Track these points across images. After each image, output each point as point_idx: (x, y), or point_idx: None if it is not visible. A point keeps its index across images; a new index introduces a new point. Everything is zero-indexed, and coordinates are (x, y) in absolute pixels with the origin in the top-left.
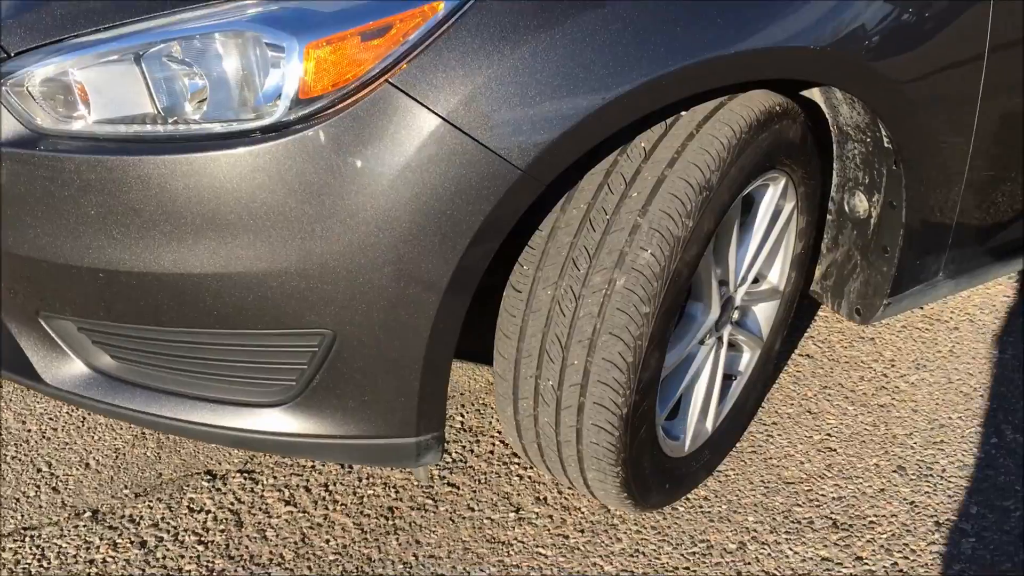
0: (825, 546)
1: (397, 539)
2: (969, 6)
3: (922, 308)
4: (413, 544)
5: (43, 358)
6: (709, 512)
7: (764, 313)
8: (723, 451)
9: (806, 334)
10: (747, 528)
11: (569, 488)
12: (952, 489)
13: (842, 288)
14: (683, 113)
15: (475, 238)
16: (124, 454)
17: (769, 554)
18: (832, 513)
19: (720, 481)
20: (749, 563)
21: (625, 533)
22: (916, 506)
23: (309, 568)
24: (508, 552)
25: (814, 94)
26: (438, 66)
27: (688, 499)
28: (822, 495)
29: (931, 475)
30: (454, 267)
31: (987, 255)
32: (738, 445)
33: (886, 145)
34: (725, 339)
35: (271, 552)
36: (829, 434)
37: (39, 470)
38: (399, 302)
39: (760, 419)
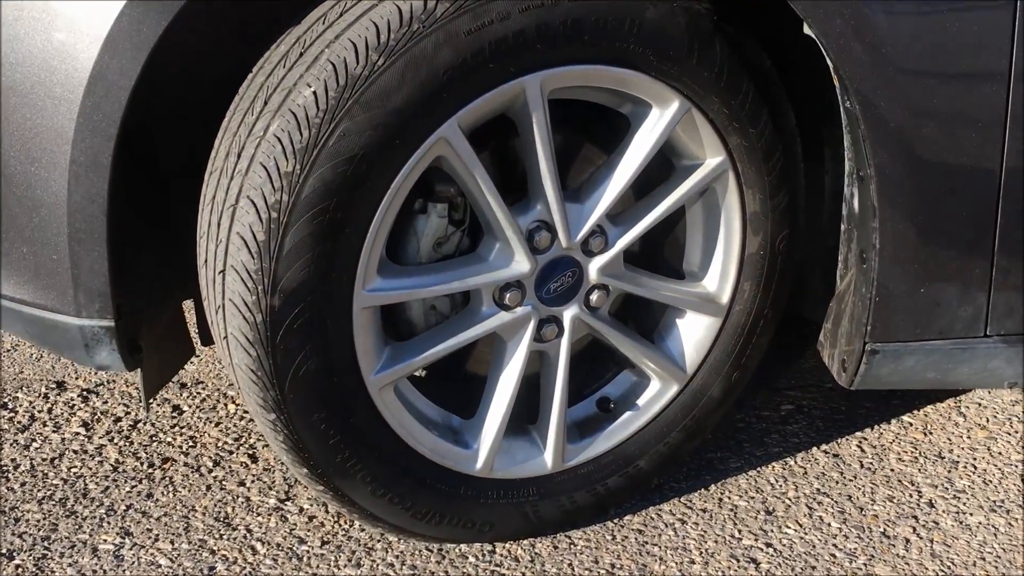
0: None
1: (129, 488)
2: None
3: None
4: (143, 498)
5: None
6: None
7: (693, 332)
8: (568, 504)
9: (856, 432)
10: None
11: None
12: None
13: (837, 329)
14: None
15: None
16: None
17: None
18: None
19: (555, 546)
20: None
21: (374, 562)
22: None
23: (28, 489)
24: (220, 536)
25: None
26: None
27: (494, 548)
28: None
29: None
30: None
31: None
32: (629, 519)
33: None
34: (567, 325)
35: (15, 460)
36: (769, 544)
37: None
38: (34, 130)
39: (688, 500)
